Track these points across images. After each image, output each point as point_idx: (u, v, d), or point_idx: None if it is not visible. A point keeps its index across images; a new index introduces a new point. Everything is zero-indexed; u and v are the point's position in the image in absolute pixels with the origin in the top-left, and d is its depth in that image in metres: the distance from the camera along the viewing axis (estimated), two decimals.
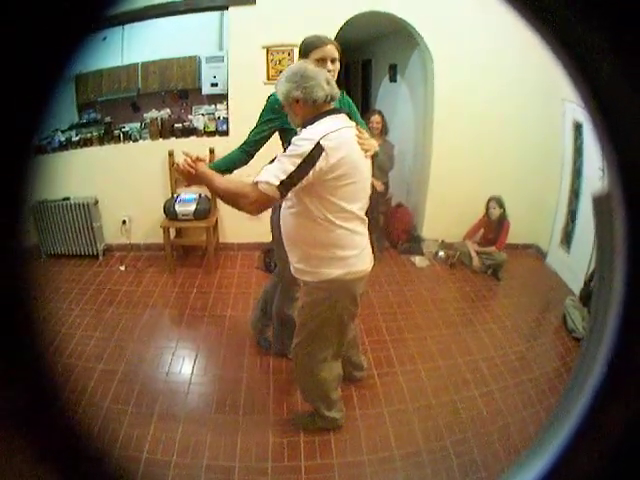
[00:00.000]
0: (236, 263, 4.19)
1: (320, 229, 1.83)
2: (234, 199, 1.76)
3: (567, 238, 3.85)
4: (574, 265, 3.60)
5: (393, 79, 5.21)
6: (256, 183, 1.70)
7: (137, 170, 4.03)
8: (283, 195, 1.73)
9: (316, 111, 1.79)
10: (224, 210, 4.10)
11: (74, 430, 0.41)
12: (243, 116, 3.85)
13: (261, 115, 2.35)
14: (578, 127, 3.65)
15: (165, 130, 3.91)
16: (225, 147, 3.83)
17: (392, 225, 4.60)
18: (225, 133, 3.96)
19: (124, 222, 4.13)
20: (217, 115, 3.90)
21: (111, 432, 2.42)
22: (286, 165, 1.68)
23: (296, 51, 3.69)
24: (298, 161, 1.67)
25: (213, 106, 3.90)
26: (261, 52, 3.75)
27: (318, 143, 1.67)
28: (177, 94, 4.09)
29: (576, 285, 3.42)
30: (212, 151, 3.88)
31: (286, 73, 1.79)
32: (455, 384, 2.75)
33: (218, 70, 3.91)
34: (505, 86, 3.91)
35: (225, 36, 4.00)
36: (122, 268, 4.02)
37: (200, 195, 3.92)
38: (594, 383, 0.39)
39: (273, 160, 1.77)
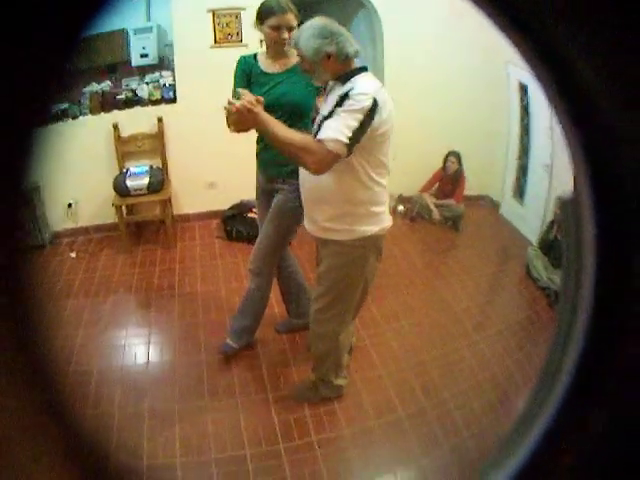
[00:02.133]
0: (195, 235, 4.09)
1: (358, 185, 1.87)
2: (298, 153, 1.75)
3: (519, 191, 4.11)
4: (529, 216, 3.88)
5: None
6: (320, 140, 1.70)
7: (79, 148, 3.76)
8: (349, 153, 1.73)
9: (346, 67, 1.82)
10: (176, 180, 3.94)
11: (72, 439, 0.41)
12: (190, 82, 3.70)
13: (233, 77, 2.38)
14: (523, 88, 3.86)
15: (107, 103, 3.65)
16: (174, 115, 3.72)
17: None
18: (172, 100, 3.76)
19: (69, 205, 3.85)
20: (162, 82, 3.69)
21: (103, 441, 2.36)
22: (349, 121, 1.68)
23: (244, 14, 3.61)
24: (360, 117, 1.69)
25: (157, 73, 3.68)
26: (206, 16, 3.56)
27: (374, 98, 1.70)
28: (105, 69, 3.82)
29: (532, 235, 3.70)
30: (160, 119, 3.71)
31: (312, 29, 1.79)
32: (441, 337, 2.94)
33: (147, 41, 3.72)
34: (452, 44, 4.02)
35: (152, 7, 3.76)
36: (73, 255, 3.78)
37: (151, 167, 3.75)
38: (563, 386, 0.39)
39: (328, 116, 1.75)
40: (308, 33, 1.78)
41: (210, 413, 2.41)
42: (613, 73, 0.34)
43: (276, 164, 2.30)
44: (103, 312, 3.20)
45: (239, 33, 3.64)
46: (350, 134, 1.68)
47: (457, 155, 4.14)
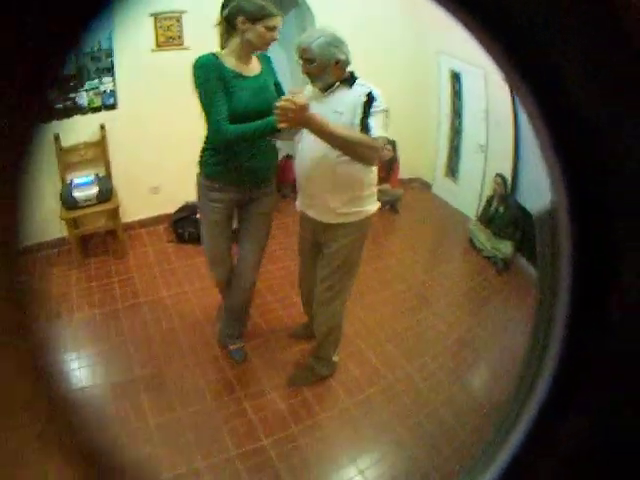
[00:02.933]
0: (144, 241, 4.09)
1: (367, 171, 2.17)
2: (360, 149, 1.96)
3: (453, 171, 4.56)
4: (463, 193, 4.34)
5: None
6: (375, 138, 1.96)
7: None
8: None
9: (346, 72, 2.10)
10: (118, 187, 3.91)
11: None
12: (132, 87, 3.71)
13: (203, 88, 2.23)
14: (456, 75, 4.30)
15: (48, 113, 3.53)
16: (115, 121, 3.70)
17: (284, 176, 4.84)
18: (112, 107, 3.73)
19: None
20: (103, 89, 3.64)
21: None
22: (382, 120, 1.99)
23: (185, 17, 3.65)
24: (386, 114, 2.01)
25: (97, 80, 3.63)
26: (148, 20, 3.58)
27: None
28: None
29: (469, 210, 4.15)
30: (103, 127, 3.67)
31: (325, 37, 2.02)
32: (407, 308, 3.29)
33: None
34: (384, 36, 4.33)
35: None
36: (23, 278, 3.63)
37: (97, 175, 3.70)
38: (540, 394, 0.40)
39: (365, 116, 1.99)
40: (323, 40, 2.01)
41: (217, 413, 2.54)
42: (591, 75, 0.33)
43: (264, 170, 2.41)
44: (69, 334, 3.15)
45: (180, 36, 3.70)
46: (386, 130, 1.99)
47: (393, 143, 4.48)
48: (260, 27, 2.12)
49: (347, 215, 2.23)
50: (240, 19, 2.12)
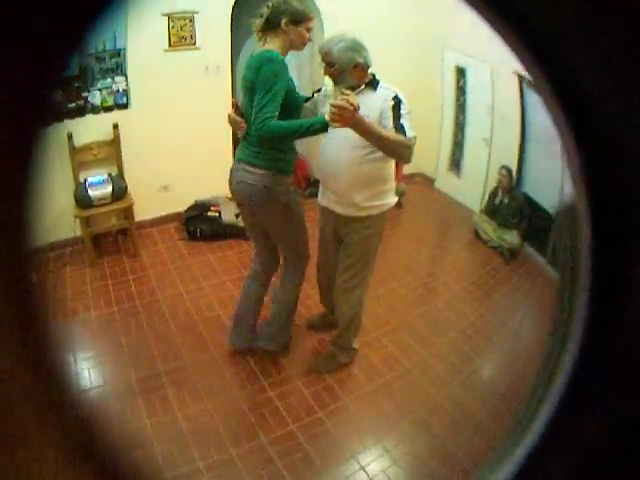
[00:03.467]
0: (156, 240, 4.19)
1: (387, 167, 2.36)
2: (400, 148, 2.14)
3: (456, 165, 4.72)
4: (467, 186, 4.51)
5: None
6: (409, 138, 2.13)
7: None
8: None
9: (367, 75, 2.27)
10: (130, 186, 3.99)
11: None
12: (144, 86, 3.80)
13: (273, 82, 2.20)
14: (460, 70, 4.45)
15: (60, 113, 3.61)
16: (129, 121, 3.78)
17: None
18: (124, 106, 3.83)
19: None
20: (115, 88, 3.73)
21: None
22: (410, 121, 2.17)
23: (197, 17, 3.76)
24: (410, 115, 2.19)
25: (109, 79, 3.71)
26: (161, 20, 3.67)
27: None
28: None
29: (473, 203, 4.32)
30: (116, 126, 3.77)
31: (346, 42, 2.20)
32: (417, 298, 3.48)
33: None
34: (389, 29, 4.47)
35: None
36: (33, 277, 3.69)
37: (110, 174, 3.80)
38: (557, 392, 0.41)
39: (397, 118, 2.16)
40: (342, 45, 2.19)
41: (244, 402, 2.66)
42: (614, 78, 0.34)
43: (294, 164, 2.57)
44: (91, 332, 3.23)
45: (192, 36, 3.81)
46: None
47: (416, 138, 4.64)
48: (302, 28, 2.28)
49: (370, 209, 2.40)
50: (285, 20, 2.24)
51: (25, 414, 0.37)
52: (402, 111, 2.17)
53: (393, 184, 2.48)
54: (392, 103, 2.17)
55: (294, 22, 2.27)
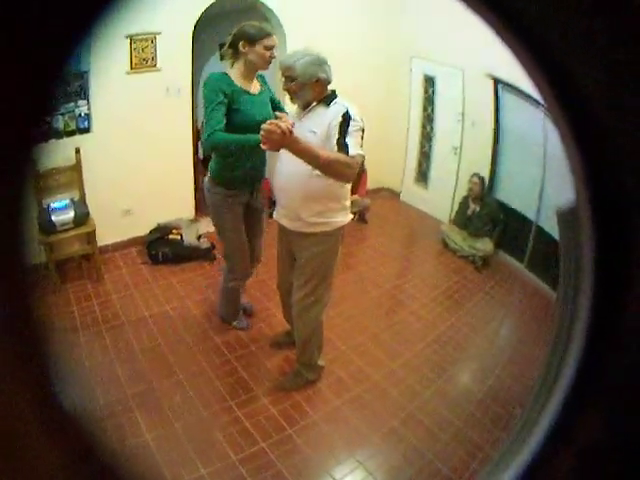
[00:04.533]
0: (119, 264, 4.23)
1: (338, 186, 2.39)
2: (341, 168, 2.17)
3: (423, 176, 4.83)
4: (434, 198, 4.60)
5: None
6: (352, 156, 2.17)
7: None
8: None
9: (325, 90, 2.34)
10: (92, 211, 4.02)
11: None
12: (107, 110, 3.87)
13: (210, 99, 2.53)
14: (429, 80, 4.59)
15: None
16: (91, 145, 3.84)
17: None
18: (87, 130, 3.88)
19: None
20: (78, 112, 3.79)
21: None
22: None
23: (159, 38, 3.85)
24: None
25: (72, 103, 3.77)
26: (124, 42, 3.76)
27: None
28: None
29: (443, 214, 4.41)
30: (78, 151, 3.82)
31: (308, 57, 2.27)
32: (384, 312, 3.58)
33: None
34: (356, 48, 4.61)
35: None
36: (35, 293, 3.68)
37: (72, 199, 3.83)
38: (561, 396, 0.41)
39: (342, 136, 2.20)
40: (305, 60, 2.25)
41: (213, 422, 2.67)
42: (613, 81, 0.34)
43: (259, 170, 2.87)
44: (59, 353, 3.19)
45: (154, 58, 3.90)
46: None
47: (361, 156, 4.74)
48: (259, 48, 2.51)
49: (319, 225, 2.45)
50: (242, 43, 2.52)
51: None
52: (350, 128, 2.22)
53: (347, 202, 2.53)
54: (340, 120, 2.22)
55: (250, 43, 2.50)
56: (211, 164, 2.79)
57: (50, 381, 0.41)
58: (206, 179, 2.85)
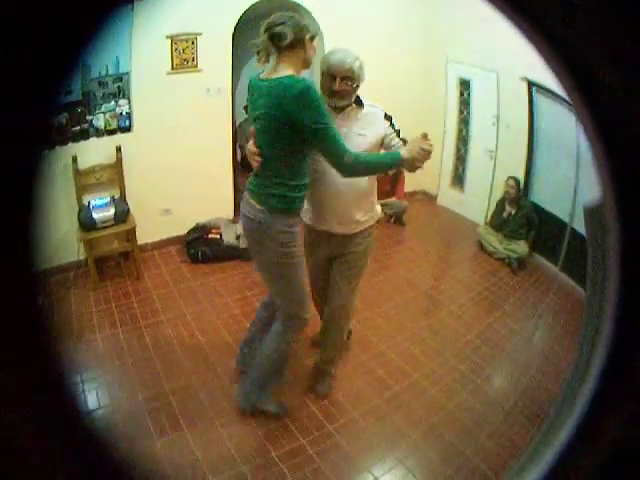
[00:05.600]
0: (158, 263, 4.34)
1: (374, 180, 2.50)
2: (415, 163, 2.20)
3: (459, 180, 4.86)
4: (471, 200, 4.63)
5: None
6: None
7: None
8: None
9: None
10: (132, 209, 4.13)
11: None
12: (147, 109, 3.97)
13: (321, 111, 2.04)
14: (464, 83, 4.64)
15: (65, 136, 3.78)
16: (132, 144, 3.95)
17: None
18: (128, 129, 4.00)
19: None
20: (119, 111, 3.91)
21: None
22: None
23: (200, 39, 3.96)
24: None
25: (113, 102, 3.89)
26: (165, 42, 3.86)
27: None
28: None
29: (479, 216, 4.44)
30: (119, 149, 3.94)
31: (359, 59, 2.26)
32: (423, 312, 3.67)
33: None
34: (392, 49, 4.66)
35: None
36: (40, 299, 3.78)
37: (113, 197, 3.94)
38: (588, 392, 0.41)
39: (397, 133, 2.34)
40: (360, 61, 2.26)
41: (253, 417, 2.70)
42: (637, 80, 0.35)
43: None
44: (98, 350, 3.32)
45: (194, 59, 4.01)
46: None
47: None
48: (315, 43, 2.17)
49: (366, 221, 2.54)
50: (308, 36, 2.10)
51: (32, 433, 0.38)
52: (393, 127, 2.35)
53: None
54: (387, 121, 2.34)
55: (312, 38, 2.13)
56: (279, 194, 2.20)
57: (60, 386, 0.40)
58: (256, 209, 2.25)
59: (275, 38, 2.04)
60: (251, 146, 2.20)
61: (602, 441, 0.41)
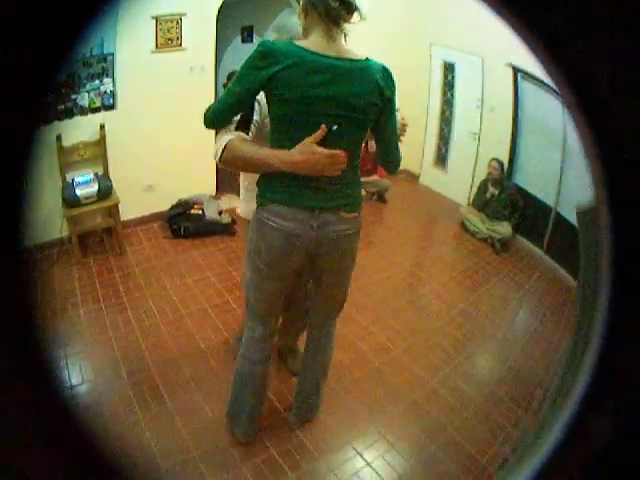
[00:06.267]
0: (141, 238, 4.38)
1: None
2: None
3: (441, 160, 4.94)
4: (453, 181, 4.70)
5: (247, 40, 5.77)
6: None
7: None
8: None
9: None
10: (115, 186, 4.15)
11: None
12: (131, 87, 4.00)
13: None
14: (449, 66, 4.71)
15: (49, 115, 3.78)
16: (115, 121, 3.97)
17: None
18: (111, 107, 4.02)
19: None
20: (103, 89, 3.92)
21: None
22: None
23: (184, 19, 3.97)
24: None
25: (98, 81, 3.90)
26: (150, 22, 3.88)
27: None
28: None
29: (461, 197, 4.52)
30: (102, 127, 3.95)
31: None
32: (405, 288, 3.73)
33: None
34: (377, 33, 4.69)
35: None
36: (26, 276, 3.80)
37: (96, 174, 3.96)
38: (580, 392, 0.42)
39: None
40: None
41: None
42: (633, 82, 0.35)
43: None
44: (82, 325, 3.36)
45: (179, 38, 4.03)
46: None
47: None
48: None
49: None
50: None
51: (17, 415, 0.38)
52: None
53: None
54: None
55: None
56: (353, 197, 1.92)
57: (45, 367, 0.39)
58: (354, 220, 1.95)
59: (348, 4, 1.68)
60: (339, 152, 1.72)
61: (593, 438, 0.41)
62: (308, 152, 1.68)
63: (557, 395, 0.50)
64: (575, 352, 0.46)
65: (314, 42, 1.67)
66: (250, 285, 2.09)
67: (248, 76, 1.68)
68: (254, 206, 1.96)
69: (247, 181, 2.32)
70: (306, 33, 1.73)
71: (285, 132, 1.74)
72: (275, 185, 1.82)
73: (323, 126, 1.67)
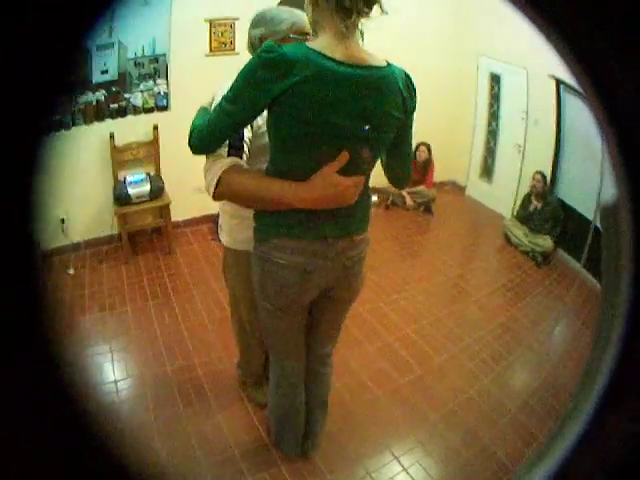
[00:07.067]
0: (190, 239, 4.50)
1: None
2: None
3: (487, 172, 4.96)
4: (498, 193, 4.72)
5: None
6: None
7: (71, 160, 3.99)
8: None
9: None
10: (166, 187, 4.27)
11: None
12: (184, 89, 4.10)
13: None
14: (495, 78, 4.72)
15: (102, 112, 3.93)
16: (168, 122, 4.08)
17: None
18: (165, 108, 4.13)
19: (62, 221, 4.03)
20: (157, 90, 4.05)
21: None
22: None
23: (238, 23, 4.07)
24: None
25: (151, 81, 4.02)
26: (203, 25, 3.99)
27: None
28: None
29: (505, 209, 4.53)
30: (156, 127, 4.07)
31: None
32: (448, 299, 3.77)
33: (108, 57, 3.97)
34: (425, 44, 4.76)
35: (114, 22, 4.08)
36: (71, 272, 3.97)
37: (149, 174, 4.09)
38: (600, 390, 0.42)
39: None
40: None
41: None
42: None
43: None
44: (129, 321, 3.47)
45: (232, 42, 4.14)
46: None
47: (427, 145, 4.89)
48: None
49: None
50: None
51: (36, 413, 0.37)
52: None
53: None
54: None
55: None
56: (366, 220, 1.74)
57: (56, 368, 0.39)
58: (365, 242, 1.76)
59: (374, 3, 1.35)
60: (362, 179, 1.52)
61: (612, 438, 0.42)
62: (331, 184, 1.43)
63: (577, 395, 0.49)
64: (595, 354, 0.46)
65: (327, 44, 1.35)
66: (265, 327, 1.90)
67: (249, 92, 1.40)
68: (243, 236, 1.84)
69: (229, 205, 1.99)
70: (315, 29, 1.44)
71: (296, 155, 1.46)
72: (284, 217, 1.55)
73: (345, 152, 1.42)
